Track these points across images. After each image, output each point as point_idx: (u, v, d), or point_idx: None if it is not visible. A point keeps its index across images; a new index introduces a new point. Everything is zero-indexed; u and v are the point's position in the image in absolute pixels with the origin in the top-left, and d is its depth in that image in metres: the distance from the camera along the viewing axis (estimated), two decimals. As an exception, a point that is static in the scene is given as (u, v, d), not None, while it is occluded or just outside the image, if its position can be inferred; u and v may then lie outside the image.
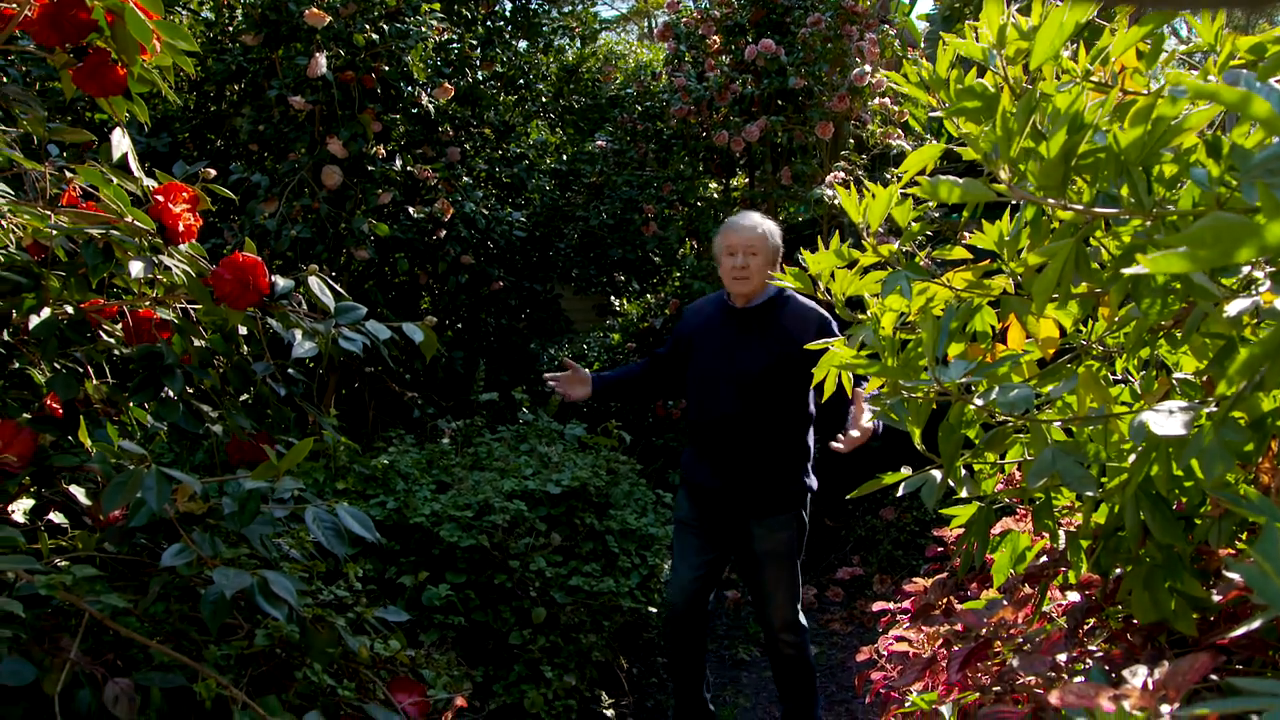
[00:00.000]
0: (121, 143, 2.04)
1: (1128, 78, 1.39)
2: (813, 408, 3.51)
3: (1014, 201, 1.47)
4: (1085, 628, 1.63)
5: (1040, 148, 1.21)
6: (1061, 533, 1.78)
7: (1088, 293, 1.47)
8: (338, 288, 2.12)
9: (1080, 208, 1.12)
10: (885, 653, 2.31)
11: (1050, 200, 1.16)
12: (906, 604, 2.44)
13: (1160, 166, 1.23)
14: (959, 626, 1.75)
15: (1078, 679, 1.45)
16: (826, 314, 3.42)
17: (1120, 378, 1.77)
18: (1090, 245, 1.36)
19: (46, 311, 1.95)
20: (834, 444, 3.13)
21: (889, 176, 6.41)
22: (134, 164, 2.07)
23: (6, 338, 1.99)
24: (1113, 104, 1.26)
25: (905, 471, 1.71)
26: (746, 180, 7.55)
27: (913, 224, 1.79)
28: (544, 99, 8.18)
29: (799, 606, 3.58)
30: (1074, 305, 1.59)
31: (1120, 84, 1.37)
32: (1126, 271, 0.95)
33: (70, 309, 2.03)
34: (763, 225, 3.47)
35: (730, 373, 3.42)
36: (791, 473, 3.47)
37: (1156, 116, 1.13)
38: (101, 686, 1.64)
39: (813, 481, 3.54)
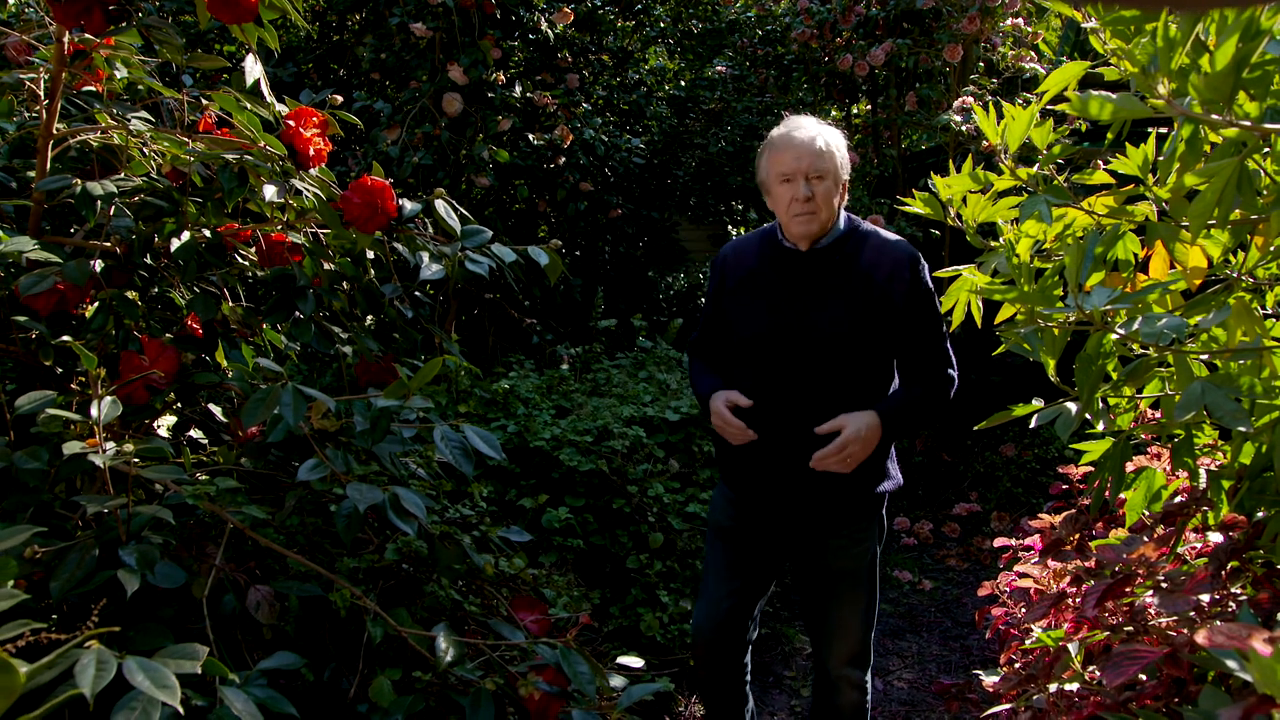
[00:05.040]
0: (254, 69, 2.08)
1: (1303, -17, 1.28)
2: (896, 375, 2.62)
3: (1158, 128, 1.39)
4: (1227, 571, 1.57)
5: (1202, 60, 1.13)
6: (1202, 471, 1.71)
7: (1241, 219, 1.39)
8: (464, 211, 2.13)
9: (1249, 124, 1.05)
10: (1007, 588, 2.28)
11: (1215, 116, 1.08)
12: (1029, 540, 2.39)
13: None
14: (1090, 563, 1.70)
15: (1216, 621, 1.40)
16: (914, 249, 2.53)
17: (1270, 312, 1.68)
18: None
19: (186, 235, 2.01)
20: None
21: (1020, 102, 6.14)
22: (265, 89, 2.11)
23: (149, 261, 2.07)
24: (1287, 11, 1.16)
25: (1037, 403, 1.66)
26: (869, 106, 7.33)
27: (1052, 146, 1.72)
28: (662, 24, 8.05)
29: (872, 641, 2.72)
30: (1224, 234, 1.50)
31: (1294, -10, 1.27)
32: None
33: (207, 233, 2.10)
34: (824, 135, 2.49)
35: (798, 334, 2.48)
36: (878, 465, 2.55)
37: (1338, 24, 1.04)
38: (244, 592, 1.72)
39: (897, 474, 2.65)
